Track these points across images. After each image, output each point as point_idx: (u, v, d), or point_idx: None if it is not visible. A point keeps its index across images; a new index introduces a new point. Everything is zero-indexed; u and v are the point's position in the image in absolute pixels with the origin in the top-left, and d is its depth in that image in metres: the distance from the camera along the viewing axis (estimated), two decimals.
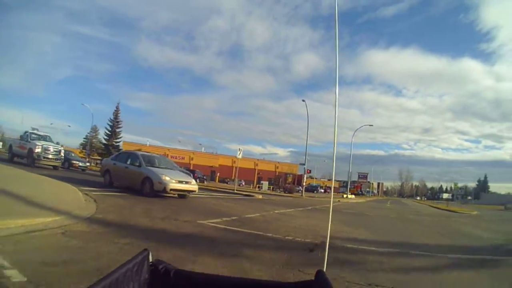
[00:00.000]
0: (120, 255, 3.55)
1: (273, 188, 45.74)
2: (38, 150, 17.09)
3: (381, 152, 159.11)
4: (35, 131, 19.12)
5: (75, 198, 7.36)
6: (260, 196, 20.37)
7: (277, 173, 66.93)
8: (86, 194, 8.46)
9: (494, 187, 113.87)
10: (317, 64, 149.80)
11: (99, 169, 28.37)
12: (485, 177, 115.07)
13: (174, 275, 1.19)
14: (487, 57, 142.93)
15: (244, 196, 18.91)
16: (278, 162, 79.87)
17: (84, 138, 55.13)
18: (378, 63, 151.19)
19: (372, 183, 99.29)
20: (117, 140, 47.04)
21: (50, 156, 17.83)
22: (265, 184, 45.32)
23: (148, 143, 61.09)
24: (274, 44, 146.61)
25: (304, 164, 32.85)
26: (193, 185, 11.63)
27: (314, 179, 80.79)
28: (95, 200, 7.60)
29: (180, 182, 10.98)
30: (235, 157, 59.79)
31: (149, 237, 4.79)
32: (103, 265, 3.07)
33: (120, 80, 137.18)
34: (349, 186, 48.99)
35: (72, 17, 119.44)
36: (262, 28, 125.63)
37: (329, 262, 4.28)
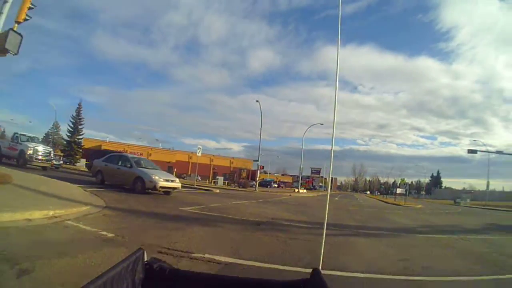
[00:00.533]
0: (146, 224, 6.13)
1: (228, 183, 48.49)
2: (30, 151, 18.06)
3: (336, 147, 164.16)
4: (24, 133, 19.94)
5: (83, 194, 9.53)
6: (218, 191, 23.02)
7: (232, 169, 70.18)
8: (85, 191, 10.59)
9: (450, 182, 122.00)
10: (273, 59, 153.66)
11: (71, 167, 29.02)
12: (438, 173, 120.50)
13: (169, 273, 1.23)
14: (445, 56, 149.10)
15: (204, 191, 21.49)
16: (233, 158, 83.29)
17: (45, 134, 54.06)
18: (334, 60, 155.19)
19: (326, 178, 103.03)
20: (79, 137, 47.02)
21: (41, 157, 18.78)
22: (220, 179, 48.41)
23: (108, 139, 60.92)
24: (230, 39, 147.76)
25: (257, 161, 35.42)
26: (177, 183, 13.81)
27: (268, 174, 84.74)
28: (96, 195, 9.81)
29: (167, 180, 13.12)
30: (192, 153, 61.94)
31: (152, 217, 7.30)
32: (146, 227, 5.68)
33: (77, 74, 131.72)
34: (300, 181, 52.30)
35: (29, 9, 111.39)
36: (219, 23, 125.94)
37: (268, 229, 7.19)
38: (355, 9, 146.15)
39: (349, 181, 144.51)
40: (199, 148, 25.97)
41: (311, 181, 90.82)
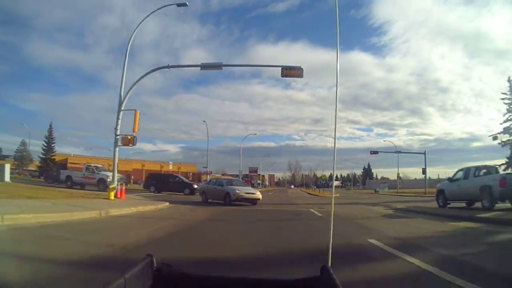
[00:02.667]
0: (214, 213, 17.76)
1: (144, 185, 54.05)
2: (109, 179, 21.13)
3: (272, 144, 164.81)
4: (96, 165, 26.42)
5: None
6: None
7: (180, 173, 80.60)
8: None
9: (387, 172, 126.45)
10: (206, 59, 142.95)
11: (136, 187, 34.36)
12: (369, 165, 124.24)
13: (179, 278, 1.25)
14: (378, 50, 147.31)
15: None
16: (180, 163, 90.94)
17: (15, 152, 58.95)
18: (267, 57, 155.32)
19: (264, 175, 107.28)
20: (53, 154, 53.62)
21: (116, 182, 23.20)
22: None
23: (72, 154, 66.79)
24: (163, 41, 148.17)
25: (206, 167, 47.14)
26: (257, 195, 17.58)
27: (209, 176, 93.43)
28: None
29: (247, 193, 17.02)
30: (144, 161, 70.51)
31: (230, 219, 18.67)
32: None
33: (11, 81, 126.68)
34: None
35: None
36: (152, 24, 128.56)
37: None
38: (288, 6, 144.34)
39: (286, 177, 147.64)
40: (171, 163, 35.83)
41: (250, 180, 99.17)
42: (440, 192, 16.34)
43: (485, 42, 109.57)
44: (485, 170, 14.87)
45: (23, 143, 58.33)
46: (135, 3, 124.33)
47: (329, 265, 1.26)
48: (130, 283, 1.00)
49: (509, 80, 37.10)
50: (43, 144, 52.89)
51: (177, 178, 32.31)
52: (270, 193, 43.96)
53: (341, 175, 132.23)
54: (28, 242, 5.31)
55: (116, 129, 16.30)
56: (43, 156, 52.59)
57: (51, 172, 38.37)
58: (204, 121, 42.19)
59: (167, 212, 12.28)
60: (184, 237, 7.05)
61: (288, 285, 1.28)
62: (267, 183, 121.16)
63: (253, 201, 17.20)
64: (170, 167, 35.55)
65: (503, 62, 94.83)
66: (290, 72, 16.00)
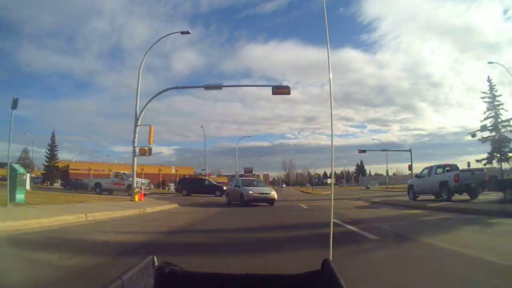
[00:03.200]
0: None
1: (176, 189, 57.23)
2: (139, 185, 22.06)
3: (265, 143, 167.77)
4: (124, 172, 28.39)
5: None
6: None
7: (177, 176, 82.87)
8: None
9: (381, 168, 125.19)
10: (197, 61, 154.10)
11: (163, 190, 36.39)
12: (361, 162, 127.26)
13: (180, 277, 1.28)
14: (368, 47, 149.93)
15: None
16: (177, 166, 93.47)
17: (17, 159, 61.05)
18: (257, 57, 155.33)
19: (258, 175, 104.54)
20: (56, 161, 56.18)
21: (145, 188, 24.70)
22: (171, 185, 54.60)
23: (73, 160, 69.25)
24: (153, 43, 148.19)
25: (205, 169, 49.96)
26: (272, 194, 17.02)
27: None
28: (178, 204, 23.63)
29: (261, 193, 16.78)
30: (142, 165, 73.42)
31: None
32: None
33: (3, 88, 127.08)
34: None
35: None
36: (142, 28, 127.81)
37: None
38: (276, 6, 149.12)
39: (280, 176, 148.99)
40: (174, 167, 38.53)
41: None
42: (410, 187, 19.41)
43: (475, 36, 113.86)
44: (448, 168, 17.67)
45: (25, 151, 60.78)
46: (124, 7, 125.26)
47: (330, 259, 1.28)
48: (132, 282, 1.04)
49: (488, 80, 39.73)
50: (46, 152, 55.73)
51: (207, 181, 34.36)
52: None
53: (335, 173, 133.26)
54: (124, 226, 8.49)
55: (134, 141, 19.26)
56: (47, 164, 55.14)
57: (70, 180, 41.20)
58: (201, 126, 44.73)
59: (185, 210, 15.23)
60: (212, 220, 10.61)
61: (290, 280, 1.30)
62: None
63: (270, 201, 16.73)
64: (173, 171, 38.08)
65: (494, 56, 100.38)
66: (280, 90, 19.23)
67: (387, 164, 78.40)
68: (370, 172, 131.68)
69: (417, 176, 19.63)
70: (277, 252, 5.30)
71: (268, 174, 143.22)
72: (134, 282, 1.06)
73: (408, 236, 6.68)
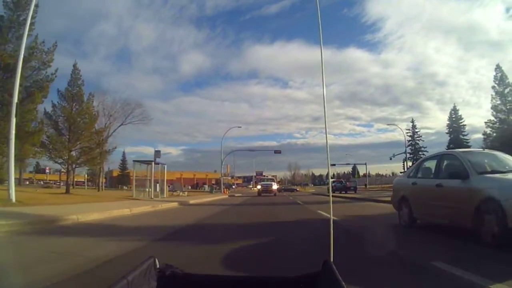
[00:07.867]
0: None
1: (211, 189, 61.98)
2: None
3: (273, 143, 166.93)
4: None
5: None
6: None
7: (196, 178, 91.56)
8: None
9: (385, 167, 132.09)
10: (203, 62, 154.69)
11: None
12: (354, 163, 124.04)
13: (182, 279, 1.27)
14: (373, 47, 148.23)
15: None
16: (196, 171, 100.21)
17: None
18: (263, 58, 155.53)
19: (267, 176, 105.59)
20: None
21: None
22: (206, 187, 65.59)
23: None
24: (160, 45, 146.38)
25: (222, 173, 55.61)
26: (271, 188, 29.72)
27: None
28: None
29: (265, 187, 26.44)
30: (180, 172, 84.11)
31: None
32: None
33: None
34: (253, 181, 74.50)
35: None
36: (148, 30, 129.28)
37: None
38: (280, 8, 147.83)
39: (287, 176, 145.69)
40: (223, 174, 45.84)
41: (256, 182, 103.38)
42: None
43: (479, 34, 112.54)
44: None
45: None
46: (130, 10, 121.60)
47: (331, 260, 1.27)
48: (134, 284, 1.03)
49: (494, 87, 42.59)
50: None
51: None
52: None
53: (337, 173, 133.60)
54: (158, 217, 10.74)
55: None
56: None
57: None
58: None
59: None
60: (227, 213, 13.21)
61: (290, 282, 1.29)
62: None
63: (271, 192, 27.53)
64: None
65: (498, 54, 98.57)
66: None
67: (366, 166, 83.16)
68: (369, 172, 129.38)
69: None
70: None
71: (276, 176, 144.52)
72: (137, 284, 1.08)
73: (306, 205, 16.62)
